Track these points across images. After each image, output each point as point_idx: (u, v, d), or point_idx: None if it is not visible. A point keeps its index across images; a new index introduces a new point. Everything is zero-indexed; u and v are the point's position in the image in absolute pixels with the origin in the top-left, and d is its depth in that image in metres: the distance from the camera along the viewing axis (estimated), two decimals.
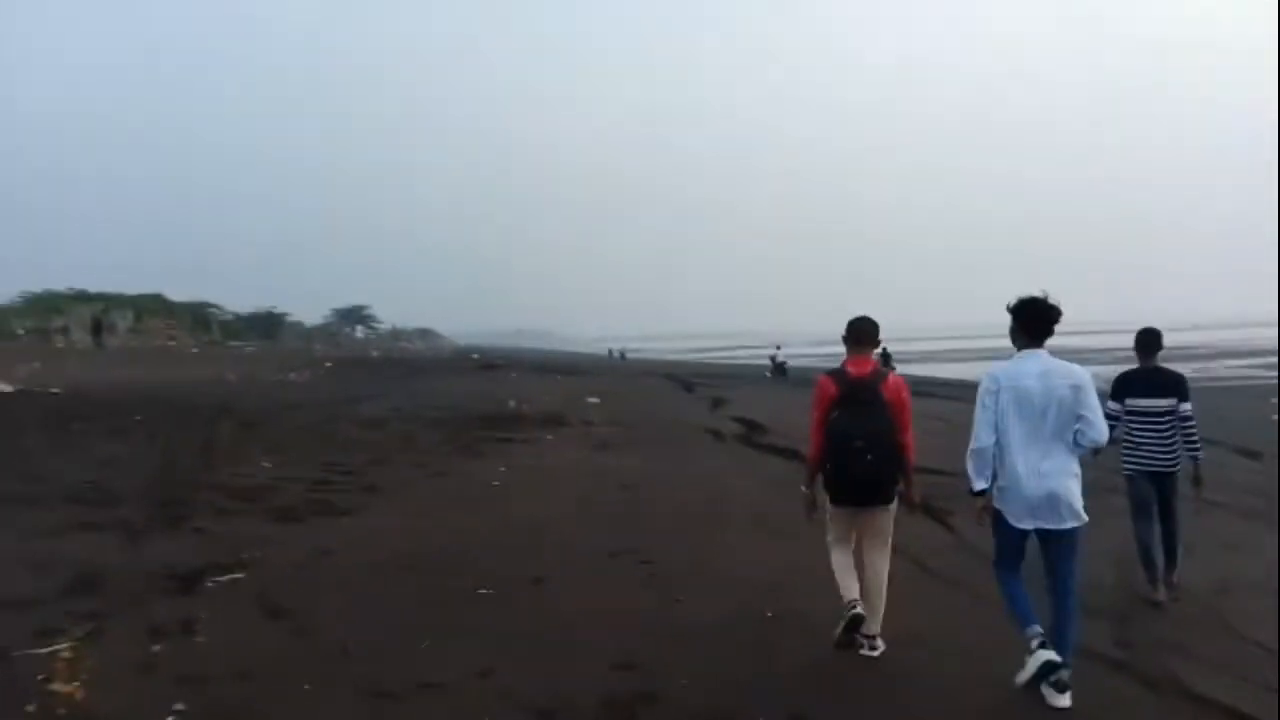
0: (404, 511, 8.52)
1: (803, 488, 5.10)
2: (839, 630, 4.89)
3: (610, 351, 69.67)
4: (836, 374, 4.87)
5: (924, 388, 33.22)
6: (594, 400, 22.53)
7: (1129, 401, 6.13)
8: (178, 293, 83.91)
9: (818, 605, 5.60)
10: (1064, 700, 4.22)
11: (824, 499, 4.95)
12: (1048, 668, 4.25)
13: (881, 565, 4.95)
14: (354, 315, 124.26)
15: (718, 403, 23.13)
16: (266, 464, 10.65)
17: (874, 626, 4.91)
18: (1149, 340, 6.14)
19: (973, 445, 4.43)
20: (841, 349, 5.04)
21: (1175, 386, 6.03)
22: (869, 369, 4.82)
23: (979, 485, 4.42)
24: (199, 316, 76.92)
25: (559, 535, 7.73)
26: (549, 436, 14.53)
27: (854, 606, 4.86)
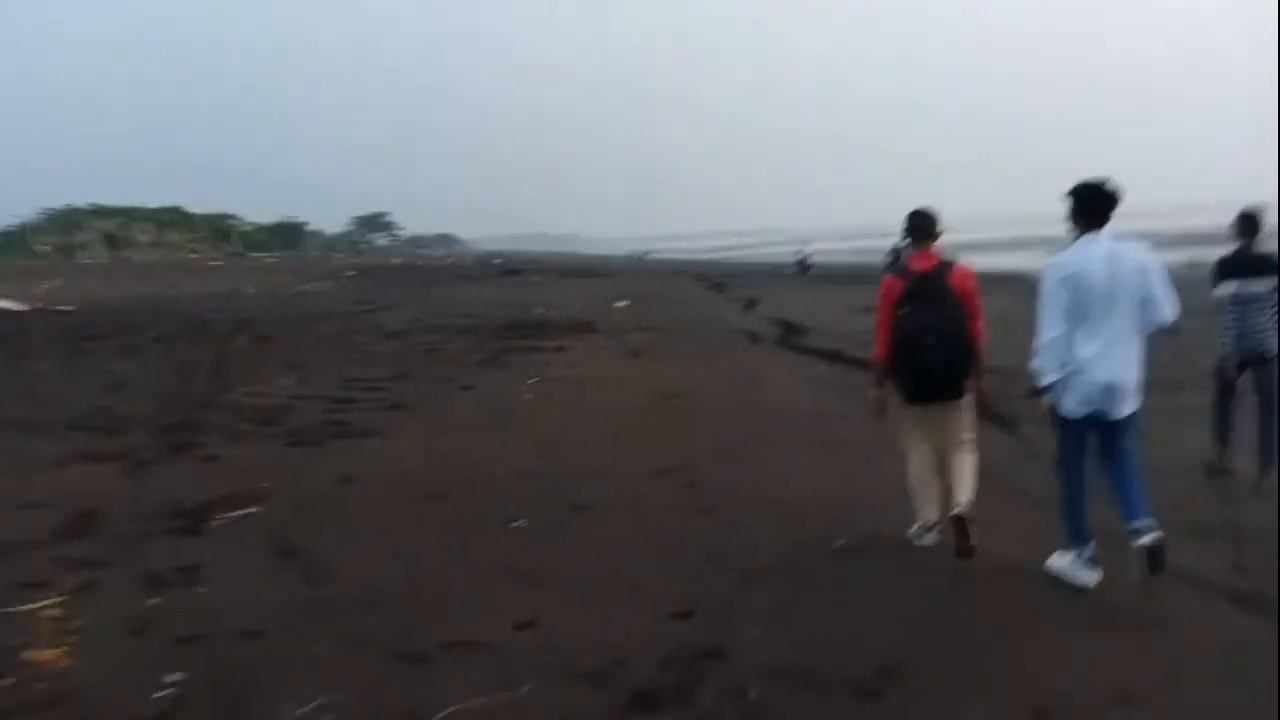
0: (431, 431, 7.92)
1: (870, 391, 4.97)
2: (916, 539, 4.83)
3: (634, 253, 68.83)
4: (901, 270, 4.73)
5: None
6: (623, 304, 21.81)
7: (1227, 284, 5.88)
8: (198, 205, 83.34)
9: (891, 530, 4.96)
10: (1157, 539, 4.09)
11: (895, 401, 4.77)
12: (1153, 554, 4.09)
13: (966, 468, 4.69)
14: (375, 223, 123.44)
15: (751, 303, 22.33)
16: (285, 381, 10.09)
17: (964, 497, 4.62)
18: (1248, 222, 5.87)
19: (1043, 337, 4.19)
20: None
21: (1275, 269, 5.76)
22: (934, 261, 4.63)
23: (1050, 378, 4.19)
24: (220, 228, 76.45)
25: (597, 455, 7.08)
26: (579, 344, 13.86)
27: (932, 529, 4.79)
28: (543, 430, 7.94)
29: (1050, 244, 4.16)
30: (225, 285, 27.27)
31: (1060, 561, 4.39)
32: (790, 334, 15.84)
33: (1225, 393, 6.04)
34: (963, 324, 4.49)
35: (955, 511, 4.54)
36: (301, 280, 29.61)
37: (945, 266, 4.60)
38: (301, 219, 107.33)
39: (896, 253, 37.01)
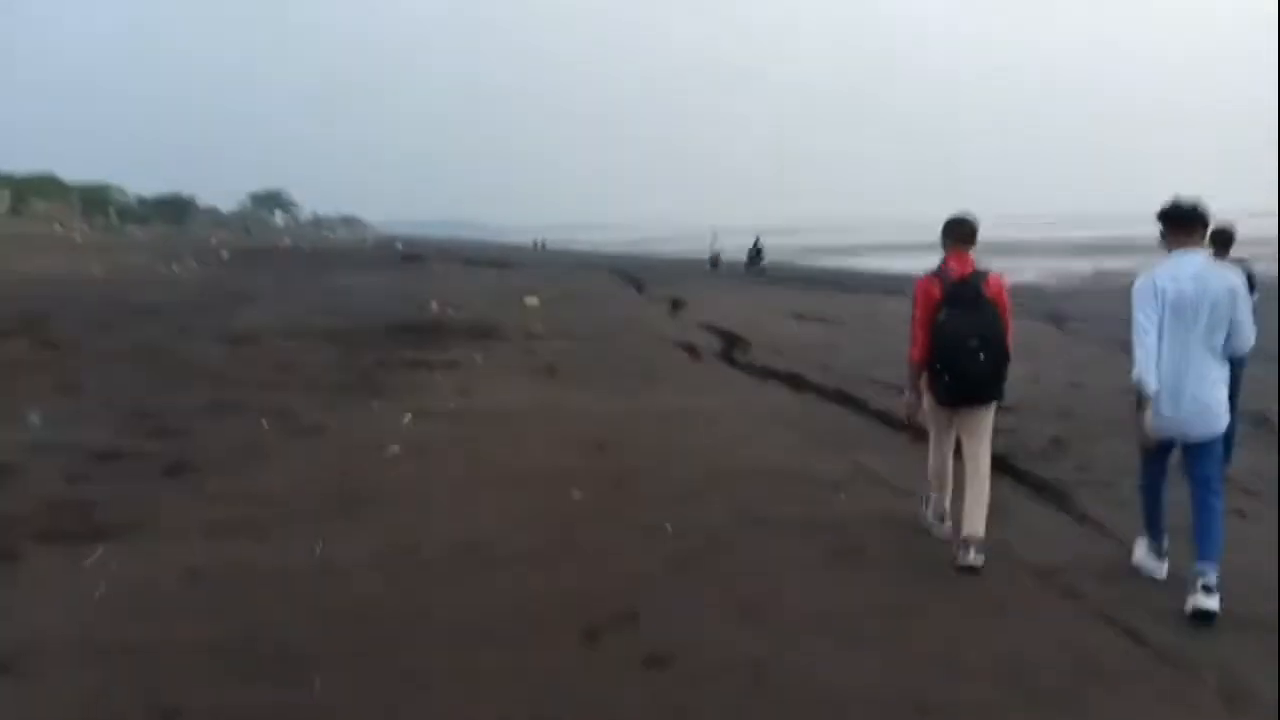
0: (214, 528, 4.84)
1: (906, 394, 4.98)
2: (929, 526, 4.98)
3: (534, 243, 67.25)
4: (939, 273, 4.65)
5: (890, 284, 30.45)
6: (533, 301, 18.85)
7: None
8: (79, 173, 76.09)
9: None
10: (1211, 603, 3.95)
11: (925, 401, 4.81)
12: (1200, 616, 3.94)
13: (985, 460, 4.73)
14: (272, 201, 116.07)
15: (677, 305, 19.68)
16: (34, 417, 6.84)
17: (979, 527, 4.59)
18: (1222, 236, 6.03)
19: (1140, 348, 4.13)
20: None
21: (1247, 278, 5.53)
22: (970, 268, 4.62)
23: (1153, 387, 4.12)
24: (95, 199, 69.54)
25: (486, 589, 4.23)
26: (478, 357, 10.92)
27: (945, 517, 4.94)
28: (405, 527, 5.01)
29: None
30: (69, 265, 23.09)
31: (1138, 551, 4.60)
32: (732, 347, 13.25)
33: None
34: (1003, 329, 4.53)
35: (966, 534, 4.57)
36: (165, 262, 25.55)
37: (981, 274, 4.61)
38: (191, 193, 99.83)
39: (758, 249, 36.82)
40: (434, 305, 17.51)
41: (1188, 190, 4.23)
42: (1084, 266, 44.76)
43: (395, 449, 6.52)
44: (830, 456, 6.88)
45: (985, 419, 4.73)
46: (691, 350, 12.69)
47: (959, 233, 4.68)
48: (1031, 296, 24.89)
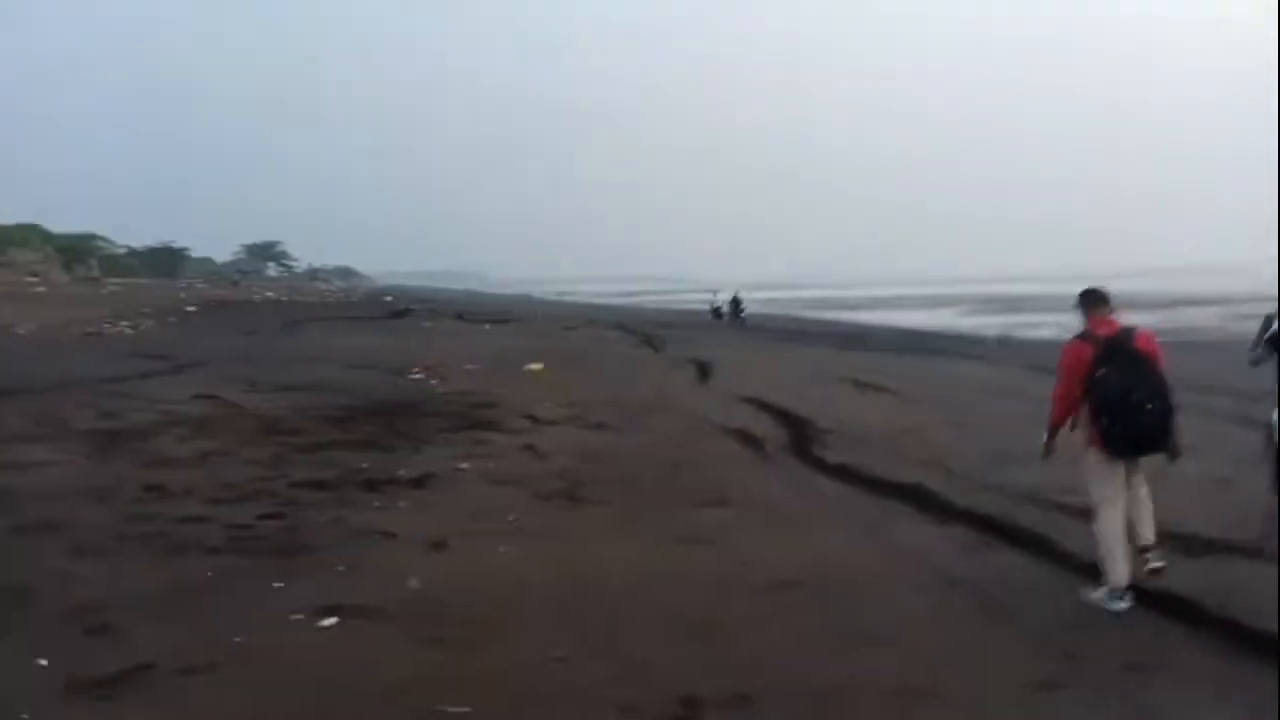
0: None
1: (1047, 439, 4.96)
2: (1104, 604, 4.61)
3: (524, 295, 65.81)
4: (1085, 337, 4.74)
5: (910, 341, 27.12)
6: (536, 368, 15.49)
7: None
8: (71, 224, 73.09)
9: None
10: None
11: (1093, 459, 4.72)
12: None
13: (1148, 500, 4.76)
14: (266, 252, 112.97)
15: (704, 370, 16.32)
16: None
17: (1151, 535, 4.73)
18: None
19: None
20: None
21: None
22: (1116, 326, 4.72)
23: None
24: (78, 250, 66.19)
25: None
26: (465, 466, 7.46)
27: (1125, 594, 4.57)
28: None
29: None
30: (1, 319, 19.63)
31: None
32: (800, 435, 9.85)
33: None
34: (1163, 380, 4.59)
35: (1143, 543, 4.67)
36: (117, 316, 22.14)
37: (1129, 331, 4.70)
38: (183, 244, 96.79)
39: (717, 308, 36.47)
40: (416, 374, 14.14)
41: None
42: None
43: None
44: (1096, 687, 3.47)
45: (1142, 463, 4.73)
46: (752, 442, 9.29)
47: (1098, 298, 4.83)
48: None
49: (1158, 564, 4.63)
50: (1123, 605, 4.55)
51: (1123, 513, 4.71)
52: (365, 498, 6.32)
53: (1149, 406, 4.49)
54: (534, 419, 9.94)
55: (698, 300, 53.23)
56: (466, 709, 3.34)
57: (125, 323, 20.62)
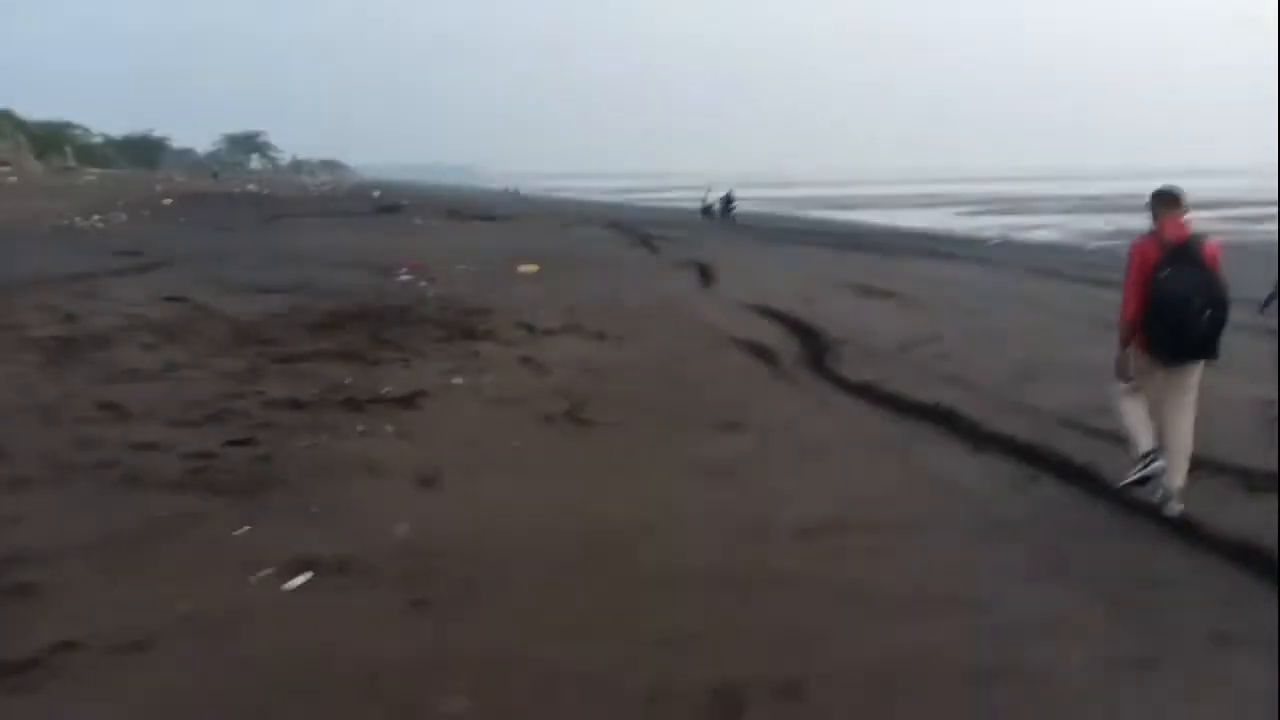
0: None
1: (1120, 352, 4.73)
2: (1133, 476, 4.61)
3: (506, 189, 66.33)
4: (1153, 236, 4.66)
5: (909, 242, 26.16)
6: (529, 269, 14.68)
7: None
8: (43, 111, 70.00)
9: None
10: None
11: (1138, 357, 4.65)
12: None
13: (1189, 423, 4.68)
14: (249, 143, 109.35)
15: (706, 274, 15.53)
16: None
17: (1179, 480, 4.61)
18: None
19: None
20: None
21: None
22: (1186, 233, 4.60)
23: None
24: (52, 139, 63.54)
25: None
26: (459, 380, 6.79)
27: (1154, 458, 4.55)
28: None
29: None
30: None
31: None
32: (816, 346, 9.21)
33: None
34: (1224, 289, 4.51)
35: (1168, 486, 4.57)
36: (89, 210, 20.98)
37: (1198, 238, 4.63)
38: (162, 134, 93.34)
39: (709, 206, 37.24)
40: (404, 274, 13.33)
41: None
42: (1100, 224, 40.69)
43: None
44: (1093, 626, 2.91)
45: (1195, 376, 4.69)
46: (764, 355, 8.64)
47: (1170, 199, 4.70)
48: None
49: (1177, 507, 4.55)
50: (1159, 464, 4.58)
51: (1143, 407, 4.72)
52: (347, 420, 5.65)
53: (1206, 314, 4.46)
54: (530, 328, 9.23)
55: (686, 198, 51.85)
56: (462, 702, 2.75)
57: (97, 216, 19.51)
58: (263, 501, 4.30)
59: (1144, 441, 4.63)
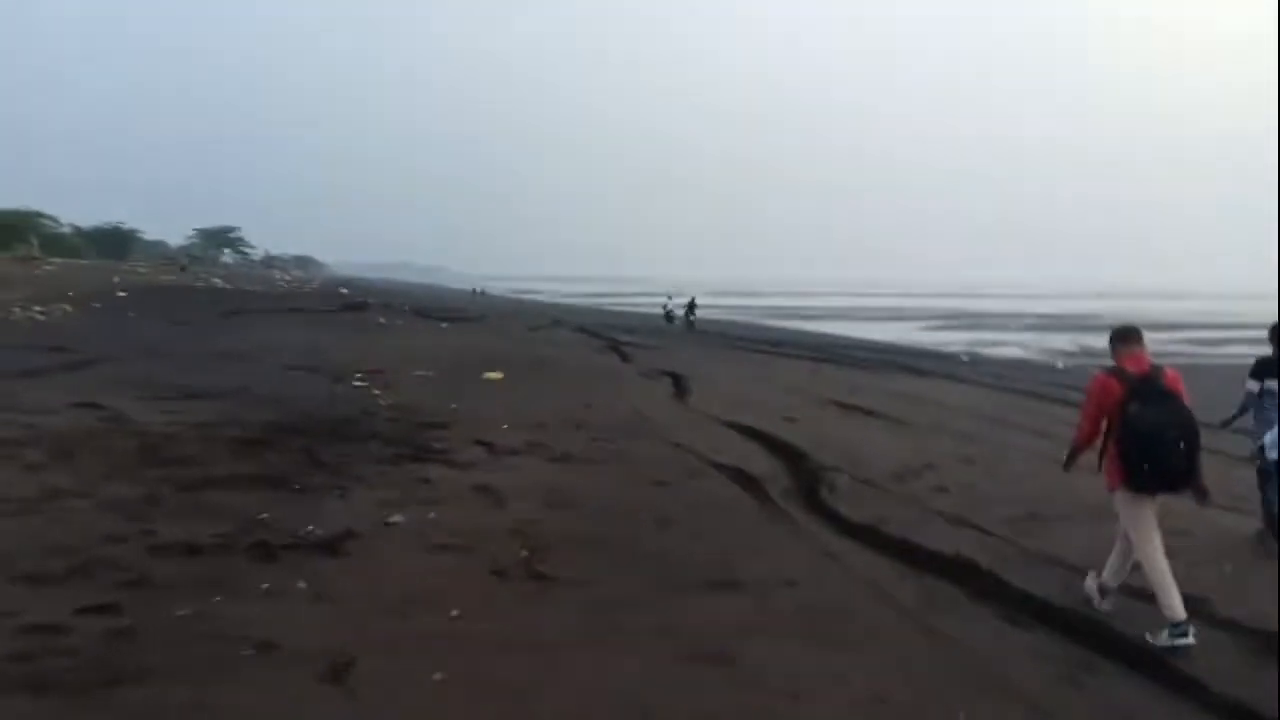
0: None
1: (1067, 459, 5.07)
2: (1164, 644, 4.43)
3: (474, 290, 68.74)
4: (1115, 372, 4.77)
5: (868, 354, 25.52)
6: (493, 376, 13.69)
7: (1267, 383, 6.23)
8: (9, 201, 68.90)
9: None
10: None
11: (1123, 495, 4.69)
12: None
13: (1156, 545, 4.63)
14: (221, 237, 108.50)
15: (679, 385, 14.63)
16: None
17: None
18: None
19: None
20: None
21: None
22: (1147, 364, 4.76)
23: None
24: (18, 228, 62.04)
25: None
26: (396, 520, 5.65)
27: (1186, 633, 4.38)
28: None
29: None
30: None
31: None
32: (808, 476, 8.22)
33: (1270, 480, 6.06)
34: (1193, 417, 4.55)
35: (1104, 580, 4.82)
36: (33, 300, 19.72)
37: (1158, 369, 4.72)
38: (133, 225, 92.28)
39: (669, 312, 38.76)
40: (359, 380, 12.25)
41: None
42: (1064, 342, 40.84)
43: None
44: None
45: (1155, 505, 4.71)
46: (750, 484, 7.62)
47: (1131, 336, 4.86)
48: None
49: (1191, 640, 4.43)
50: (1189, 641, 4.42)
51: (1164, 556, 4.66)
52: (252, 573, 4.48)
53: (1181, 446, 4.50)
54: (490, 447, 8.15)
55: (650, 303, 51.81)
56: None
57: (38, 307, 18.28)
58: (100, 703, 3.12)
59: (1174, 608, 4.47)
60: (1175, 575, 4.53)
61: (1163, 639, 4.40)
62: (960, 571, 5.61)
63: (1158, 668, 4.33)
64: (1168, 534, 4.74)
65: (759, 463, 8.56)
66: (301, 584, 4.40)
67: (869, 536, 6.30)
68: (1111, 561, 4.88)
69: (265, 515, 5.44)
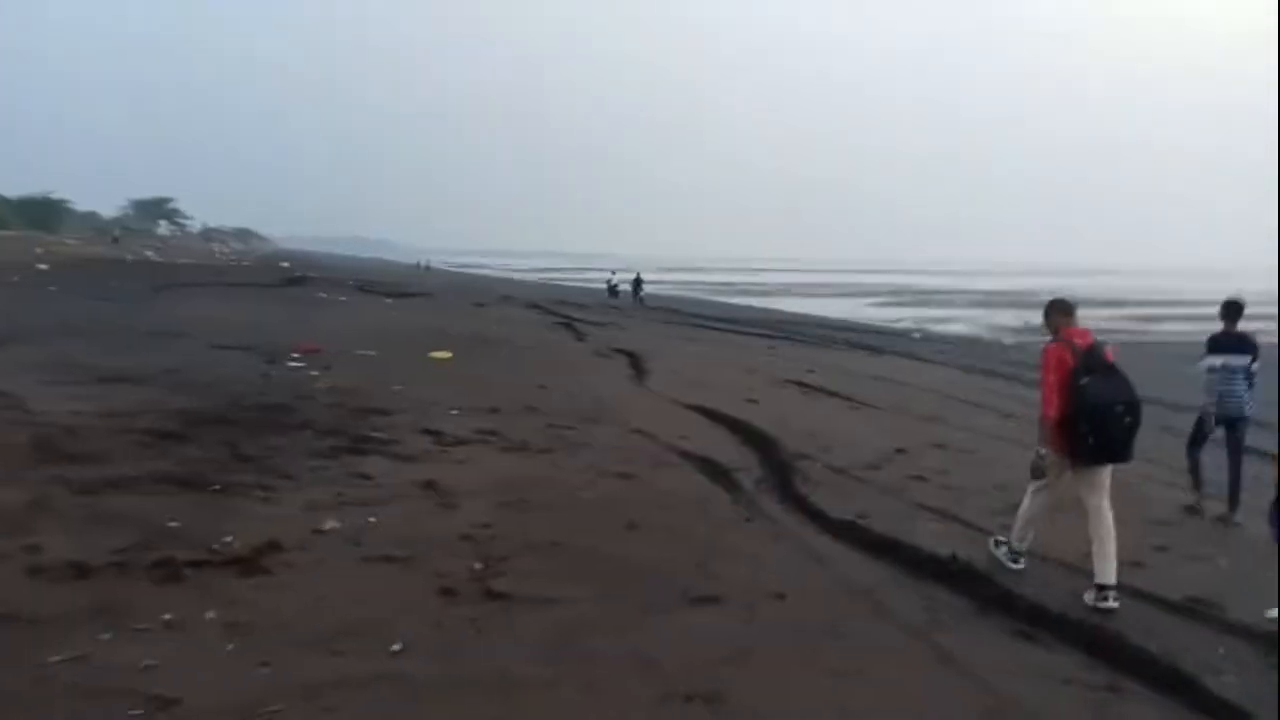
0: None
1: (1039, 450, 4.86)
2: (1004, 560, 5.07)
3: (419, 264, 69.40)
4: (1064, 344, 4.77)
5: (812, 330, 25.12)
6: (441, 356, 12.88)
7: (1214, 358, 6.48)
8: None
9: None
10: None
11: (1054, 458, 4.82)
12: None
13: (1110, 518, 4.72)
14: (157, 209, 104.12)
15: (636, 366, 14.00)
16: None
17: (1111, 575, 4.62)
18: (1233, 308, 6.54)
19: None
20: None
21: (1253, 348, 6.46)
22: (1090, 338, 4.79)
23: None
24: None
25: None
26: (328, 526, 4.91)
27: (1020, 563, 5.02)
28: None
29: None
30: None
31: None
32: (780, 466, 7.66)
33: (1197, 442, 6.64)
34: (1135, 392, 4.63)
35: (1100, 581, 4.58)
36: None
37: (1101, 343, 4.75)
38: (63, 196, 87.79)
39: (614, 286, 38.53)
40: (295, 359, 11.35)
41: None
42: (1009, 319, 41.16)
43: None
44: None
45: (1108, 474, 4.79)
46: (721, 477, 7.02)
47: (1067, 308, 4.93)
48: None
49: (1111, 605, 4.54)
50: (1019, 566, 5.01)
51: (1045, 506, 4.99)
52: (152, 601, 3.73)
53: (1126, 420, 4.59)
54: (438, 435, 7.41)
55: (597, 279, 51.15)
56: None
57: None
58: None
59: (1025, 541, 5.06)
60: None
61: (1000, 552, 5.16)
62: (960, 578, 5.08)
63: (1193, 691, 3.86)
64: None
65: (727, 451, 7.98)
66: (211, 613, 3.66)
67: (853, 535, 5.76)
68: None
69: (175, 523, 4.66)
